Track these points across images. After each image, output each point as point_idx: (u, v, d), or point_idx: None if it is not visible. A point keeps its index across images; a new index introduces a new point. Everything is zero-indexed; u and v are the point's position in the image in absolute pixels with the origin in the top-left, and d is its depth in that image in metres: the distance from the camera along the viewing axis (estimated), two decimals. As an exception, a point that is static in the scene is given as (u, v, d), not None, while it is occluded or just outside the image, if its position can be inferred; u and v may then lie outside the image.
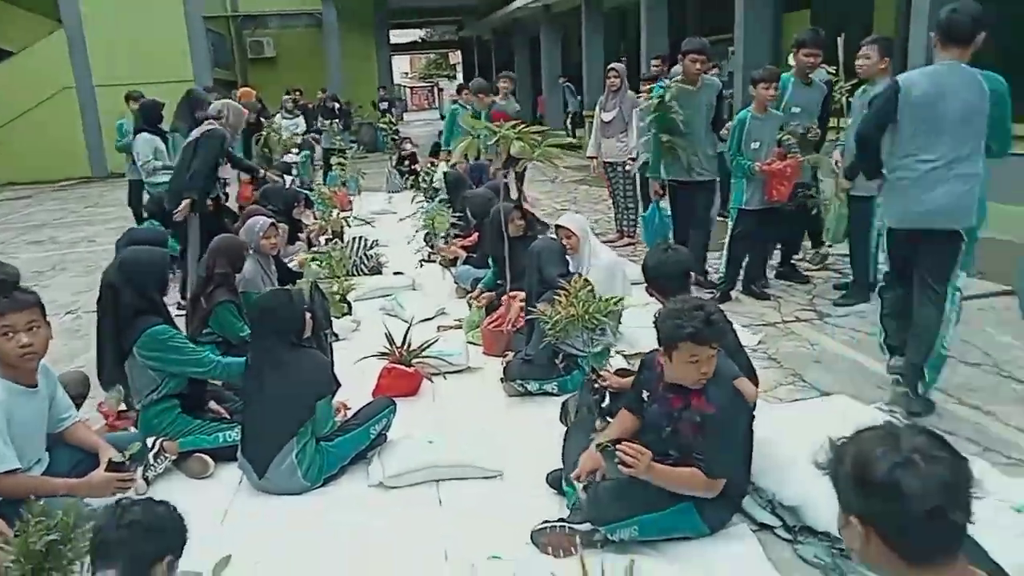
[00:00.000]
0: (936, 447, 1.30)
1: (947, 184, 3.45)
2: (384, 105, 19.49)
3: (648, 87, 6.04)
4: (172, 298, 5.65)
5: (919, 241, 3.59)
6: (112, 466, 2.74)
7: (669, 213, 6.13)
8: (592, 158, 7.59)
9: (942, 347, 3.58)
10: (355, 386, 3.91)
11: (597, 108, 7.49)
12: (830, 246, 6.07)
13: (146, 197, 7.40)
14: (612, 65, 7.42)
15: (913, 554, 1.29)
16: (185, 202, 5.62)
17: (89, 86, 17.18)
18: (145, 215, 7.22)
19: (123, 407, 3.65)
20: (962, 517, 1.27)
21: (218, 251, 4.18)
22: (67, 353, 4.96)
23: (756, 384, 2.94)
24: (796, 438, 3.06)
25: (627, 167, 7.23)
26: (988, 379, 3.93)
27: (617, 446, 2.43)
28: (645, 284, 3.09)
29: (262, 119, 9.64)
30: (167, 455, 3.29)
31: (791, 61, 6.08)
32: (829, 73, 5.68)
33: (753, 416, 3.01)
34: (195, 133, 5.87)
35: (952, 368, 4.04)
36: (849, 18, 9.61)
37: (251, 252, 4.46)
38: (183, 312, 5.69)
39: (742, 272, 5.54)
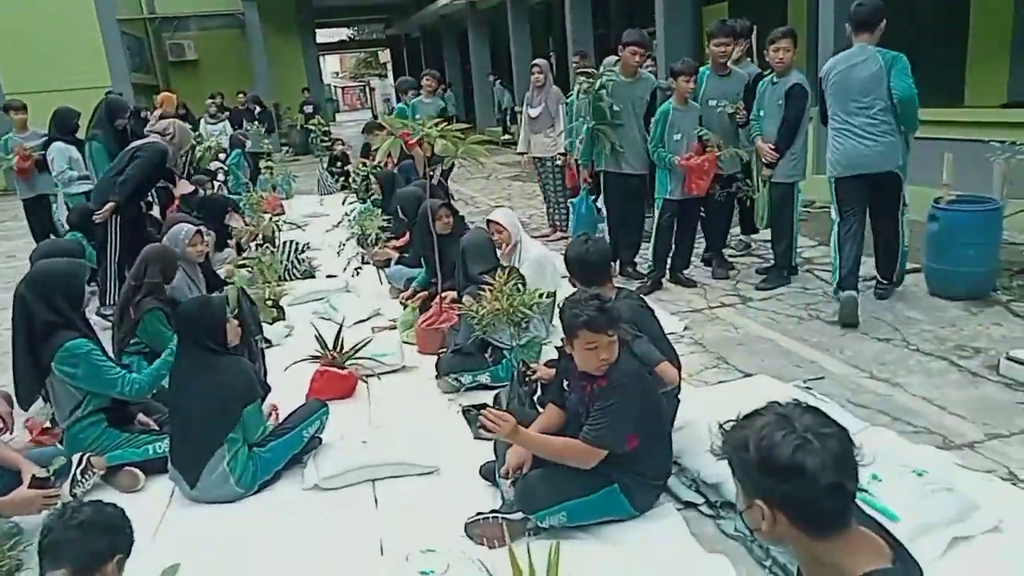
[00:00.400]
0: (823, 423, 1.36)
1: (869, 136, 4.46)
2: (309, 108, 18.62)
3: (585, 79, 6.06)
4: (93, 308, 5.52)
5: (864, 187, 4.58)
6: (36, 482, 2.68)
7: (600, 203, 6.24)
8: (522, 154, 7.69)
9: (904, 245, 4.85)
10: (289, 391, 3.90)
11: (524, 104, 7.59)
12: (755, 232, 6.30)
13: (59, 211, 7.12)
14: (535, 61, 7.52)
15: (817, 528, 1.36)
16: (109, 205, 5.51)
17: (-1, 95, 16.42)
18: (66, 227, 6.96)
19: (48, 424, 3.55)
20: (854, 485, 1.36)
21: (149, 259, 4.11)
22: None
23: (679, 369, 3.05)
24: (720, 419, 3.20)
25: (556, 162, 7.34)
26: (897, 352, 4.15)
27: (480, 411, 2.52)
28: (568, 275, 3.17)
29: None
30: (95, 470, 3.21)
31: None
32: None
33: (678, 400, 3.15)
34: (137, 143, 5.79)
35: (863, 343, 4.28)
36: (765, 10, 9.96)
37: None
38: (108, 322, 5.57)
39: (669, 260, 5.70)
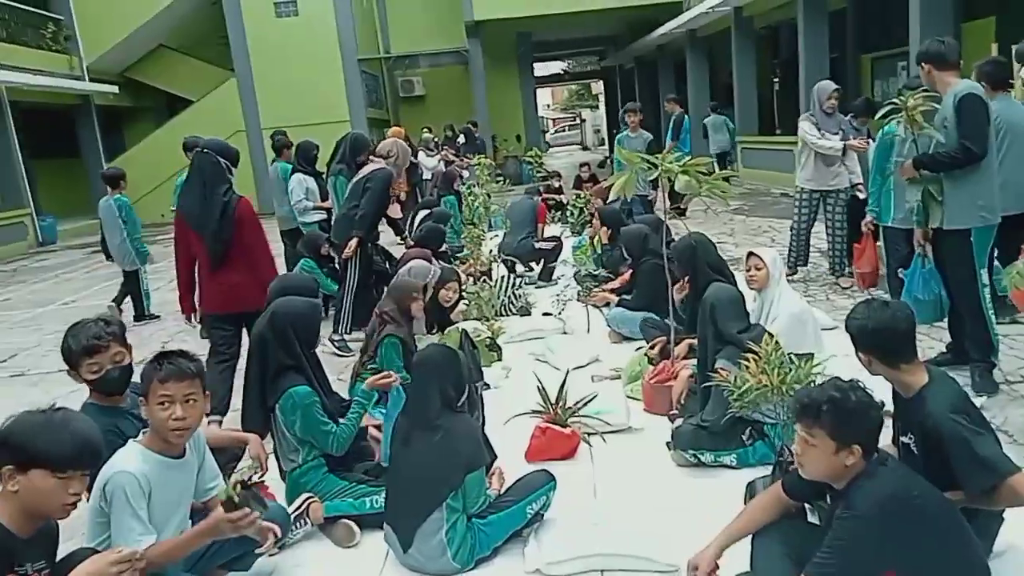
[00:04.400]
0: None
1: None
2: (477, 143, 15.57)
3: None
4: (325, 334, 5.68)
5: None
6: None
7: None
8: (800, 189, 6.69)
9: None
10: (507, 445, 3.59)
11: (803, 132, 6.48)
12: None
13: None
14: (836, 85, 6.59)
15: None
16: (353, 241, 5.67)
17: (258, 129, 18.33)
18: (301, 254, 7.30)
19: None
20: None
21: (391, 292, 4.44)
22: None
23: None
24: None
25: (842, 196, 6.48)
26: None
27: None
28: (856, 349, 2.52)
29: (412, 160, 9.81)
30: (308, 519, 3.10)
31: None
32: None
33: (1002, 518, 2.42)
34: (364, 171, 5.95)
35: None
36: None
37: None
38: (339, 348, 5.73)
39: None
